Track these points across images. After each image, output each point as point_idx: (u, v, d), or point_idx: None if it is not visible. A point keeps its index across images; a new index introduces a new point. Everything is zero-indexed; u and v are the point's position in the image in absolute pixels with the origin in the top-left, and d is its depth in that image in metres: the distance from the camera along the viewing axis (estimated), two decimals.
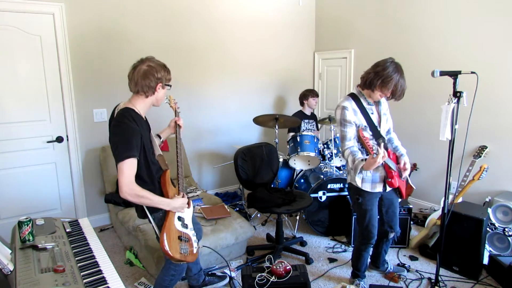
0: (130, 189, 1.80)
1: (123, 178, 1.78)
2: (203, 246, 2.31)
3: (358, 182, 2.33)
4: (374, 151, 2.05)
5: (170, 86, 2.04)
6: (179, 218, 2.02)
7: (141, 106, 1.96)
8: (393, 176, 2.32)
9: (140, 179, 1.89)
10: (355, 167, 2.23)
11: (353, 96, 2.35)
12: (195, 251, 2.06)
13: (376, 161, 2.05)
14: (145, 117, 2.02)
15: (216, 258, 2.94)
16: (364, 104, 2.33)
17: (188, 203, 2.11)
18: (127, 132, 1.82)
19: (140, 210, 2.00)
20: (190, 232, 2.07)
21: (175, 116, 2.28)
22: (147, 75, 1.89)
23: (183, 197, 2.05)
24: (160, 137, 2.27)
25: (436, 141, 3.74)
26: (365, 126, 2.30)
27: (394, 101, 2.32)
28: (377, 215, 2.48)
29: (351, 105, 2.30)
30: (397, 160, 2.42)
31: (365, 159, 2.16)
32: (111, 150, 1.88)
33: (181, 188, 2.10)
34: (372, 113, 2.35)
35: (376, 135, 2.33)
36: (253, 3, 4.46)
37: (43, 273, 1.49)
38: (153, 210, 1.96)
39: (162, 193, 2.01)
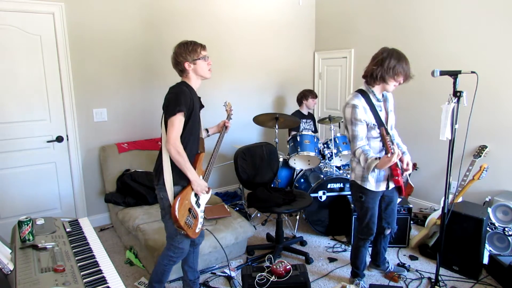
0: (176, 144, 2.00)
1: (173, 131, 2.00)
2: (205, 228, 2.45)
3: (371, 181, 2.33)
4: (392, 150, 2.07)
5: (201, 58, 2.13)
6: (195, 195, 2.19)
7: (190, 81, 2.17)
8: (399, 174, 2.34)
9: None
10: (367, 166, 2.22)
11: (362, 93, 2.32)
12: (197, 230, 2.20)
13: (391, 160, 2.07)
14: (199, 98, 2.23)
15: (216, 258, 2.94)
16: (373, 100, 2.31)
17: (208, 190, 2.27)
18: (180, 92, 2.05)
19: (163, 176, 2.10)
20: (200, 213, 2.24)
21: (226, 118, 2.53)
22: (175, 61, 2.15)
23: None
24: (207, 131, 2.51)
25: (436, 141, 3.74)
26: (373, 124, 2.28)
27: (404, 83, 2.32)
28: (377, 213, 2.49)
29: (361, 102, 2.27)
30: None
31: (379, 158, 2.17)
32: (162, 109, 2.10)
33: (206, 176, 2.28)
34: (380, 110, 2.34)
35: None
36: (253, 3, 4.46)
37: (43, 273, 1.49)
38: (175, 182, 2.10)
39: None
